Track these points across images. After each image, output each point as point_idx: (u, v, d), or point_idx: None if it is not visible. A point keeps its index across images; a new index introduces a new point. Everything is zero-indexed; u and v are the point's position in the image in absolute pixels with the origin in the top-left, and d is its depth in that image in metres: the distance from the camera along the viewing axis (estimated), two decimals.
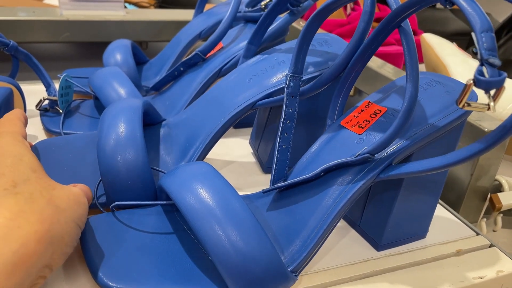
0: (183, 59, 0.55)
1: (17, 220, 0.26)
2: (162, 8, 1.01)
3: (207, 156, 0.44)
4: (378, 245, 0.39)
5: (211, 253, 0.30)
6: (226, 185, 0.33)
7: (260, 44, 0.49)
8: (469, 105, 0.27)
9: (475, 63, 0.68)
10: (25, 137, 0.34)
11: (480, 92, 0.28)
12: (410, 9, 0.32)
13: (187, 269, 0.32)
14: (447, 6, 0.28)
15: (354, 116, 0.38)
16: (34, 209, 0.27)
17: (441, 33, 0.78)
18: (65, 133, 0.48)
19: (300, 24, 0.81)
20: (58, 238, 0.27)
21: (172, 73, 0.55)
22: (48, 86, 0.53)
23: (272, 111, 0.47)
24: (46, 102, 0.52)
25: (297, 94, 0.39)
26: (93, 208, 0.37)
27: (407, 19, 0.33)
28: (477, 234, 0.43)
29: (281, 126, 0.38)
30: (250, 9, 0.57)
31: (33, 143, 0.42)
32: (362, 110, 0.38)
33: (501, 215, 0.54)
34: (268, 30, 0.52)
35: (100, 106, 0.53)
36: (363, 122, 0.37)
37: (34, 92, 0.56)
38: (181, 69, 0.55)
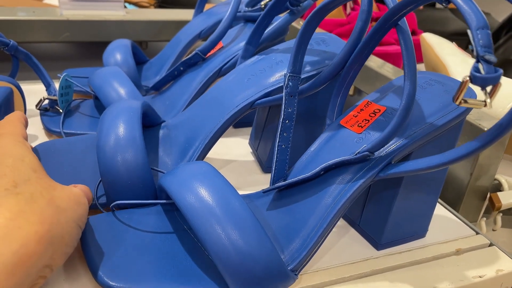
0: (183, 59, 0.55)
1: (17, 220, 0.26)
2: (162, 8, 1.01)
3: (207, 156, 0.44)
4: (378, 244, 0.39)
5: (211, 252, 0.30)
6: (226, 184, 0.33)
7: (258, 45, 0.49)
8: (466, 101, 0.27)
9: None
10: (26, 138, 0.34)
11: (478, 90, 0.28)
12: (407, 7, 0.32)
13: (187, 268, 0.32)
14: (443, 4, 0.28)
15: (353, 116, 0.38)
16: (35, 209, 0.27)
17: (440, 33, 0.78)
18: (65, 133, 0.49)
19: (299, 24, 0.81)
20: (59, 238, 0.27)
21: (172, 73, 0.55)
22: (48, 86, 0.53)
23: (271, 111, 0.47)
24: (46, 101, 0.52)
25: (296, 93, 0.39)
26: (93, 208, 0.37)
27: (405, 17, 0.33)
28: (477, 233, 0.43)
29: (280, 125, 0.38)
30: (250, 8, 0.57)
31: (34, 144, 0.42)
32: (362, 110, 0.38)
33: (501, 214, 0.54)
34: (268, 29, 0.52)
35: (100, 105, 0.53)
36: (363, 121, 0.37)
37: (34, 91, 0.56)
38: (181, 68, 0.55)
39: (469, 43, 0.26)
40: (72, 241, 0.29)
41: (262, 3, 0.55)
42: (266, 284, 0.31)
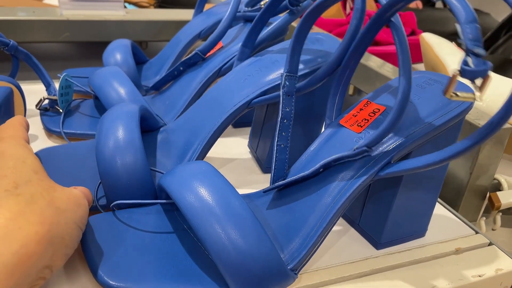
0: (183, 59, 0.55)
1: (17, 221, 0.26)
2: (161, 8, 1.01)
3: (207, 156, 0.44)
4: (378, 244, 0.39)
5: (211, 251, 0.30)
6: (225, 184, 0.33)
7: (253, 47, 0.49)
8: (456, 95, 0.27)
9: None
10: (27, 141, 0.34)
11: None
12: (399, 3, 0.32)
13: (187, 268, 0.32)
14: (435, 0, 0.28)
15: (353, 115, 0.38)
16: (35, 210, 0.27)
17: (440, 32, 0.78)
18: (65, 133, 0.49)
19: None
20: (59, 239, 0.27)
21: (172, 73, 0.55)
22: (48, 86, 0.53)
23: (269, 109, 0.47)
24: (46, 101, 0.52)
25: (293, 93, 0.39)
26: (93, 210, 0.37)
27: (398, 13, 0.33)
28: (476, 232, 0.43)
29: (279, 125, 0.38)
30: (249, 8, 0.57)
31: (33, 143, 0.42)
32: (361, 109, 0.38)
33: (500, 214, 0.54)
34: (268, 29, 0.52)
35: (100, 105, 0.53)
36: (362, 120, 0.37)
37: (34, 91, 0.56)
38: (181, 68, 0.55)
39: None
40: (72, 242, 0.29)
41: (262, 3, 0.56)
42: (266, 283, 0.31)
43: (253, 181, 0.47)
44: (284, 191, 0.37)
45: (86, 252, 0.32)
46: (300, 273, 0.34)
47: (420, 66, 0.91)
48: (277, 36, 0.53)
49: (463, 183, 0.51)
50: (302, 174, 0.36)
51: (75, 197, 0.31)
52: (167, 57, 0.62)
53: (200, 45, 0.54)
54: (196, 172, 0.34)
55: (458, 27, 0.26)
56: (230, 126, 0.58)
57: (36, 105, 0.52)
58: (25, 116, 0.51)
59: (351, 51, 0.37)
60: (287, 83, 0.39)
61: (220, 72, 0.53)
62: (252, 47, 0.49)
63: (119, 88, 0.50)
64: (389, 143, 0.35)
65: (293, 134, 0.40)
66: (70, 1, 0.77)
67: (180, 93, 0.53)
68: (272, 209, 0.36)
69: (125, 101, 0.49)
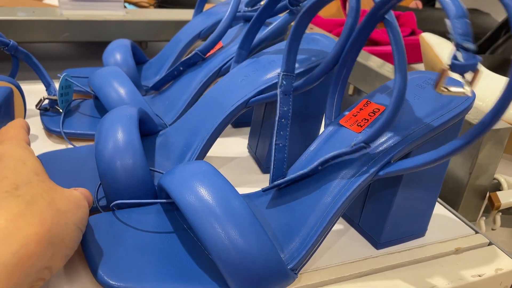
0: (183, 59, 0.55)
1: (17, 221, 0.26)
2: (161, 8, 1.01)
3: (207, 155, 0.44)
4: (377, 244, 0.39)
5: (211, 251, 0.30)
6: (225, 183, 0.33)
7: (250, 49, 0.49)
8: (447, 90, 0.28)
9: None
10: (28, 144, 0.35)
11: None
12: (392, 0, 0.32)
13: (187, 267, 0.32)
14: None
15: (352, 115, 0.38)
16: (35, 211, 0.27)
17: (440, 32, 0.78)
18: (65, 133, 0.49)
19: None
20: (58, 240, 0.27)
21: (171, 73, 0.55)
22: (48, 86, 0.53)
23: (268, 108, 0.47)
24: (46, 101, 0.52)
25: (291, 92, 0.40)
26: (94, 211, 0.37)
27: (391, 11, 0.33)
28: (476, 232, 0.43)
29: (276, 124, 0.38)
30: (249, 8, 0.57)
31: (34, 143, 0.42)
32: (361, 109, 0.38)
33: (500, 213, 0.54)
34: (268, 29, 0.52)
35: (100, 105, 0.53)
36: (362, 120, 0.37)
37: (34, 91, 0.56)
38: (181, 68, 0.55)
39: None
40: (72, 243, 0.29)
41: (262, 3, 0.55)
42: (266, 283, 0.31)
43: (253, 181, 0.47)
44: (283, 190, 0.37)
45: (86, 252, 0.32)
46: (300, 273, 0.34)
47: (420, 66, 0.91)
48: (277, 36, 0.53)
49: (463, 183, 0.52)
50: (300, 172, 0.36)
51: (75, 199, 0.31)
52: (167, 57, 0.62)
53: (200, 45, 0.54)
54: (196, 171, 0.34)
55: (448, 22, 0.26)
56: (229, 126, 0.58)
57: (36, 105, 0.52)
58: (25, 116, 0.51)
59: (347, 49, 0.37)
60: (284, 82, 0.39)
61: (220, 72, 0.53)
62: (249, 49, 0.49)
63: (119, 88, 0.50)
64: (389, 143, 0.35)
65: (291, 134, 0.40)
66: (70, 1, 0.77)
67: (180, 93, 0.53)
68: (272, 209, 0.36)
69: (125, 101, 0.49)
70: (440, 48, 0.70)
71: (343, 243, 0.39)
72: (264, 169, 0.49)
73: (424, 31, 0.79)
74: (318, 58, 0.44)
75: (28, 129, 0.37)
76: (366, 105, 0.38)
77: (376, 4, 0.33)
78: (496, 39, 0.83)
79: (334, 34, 0.85)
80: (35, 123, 0.52)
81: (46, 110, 0.52)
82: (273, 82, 0.44)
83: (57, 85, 0.52)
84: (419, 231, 0.41)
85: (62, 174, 0.41)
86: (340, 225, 0.42)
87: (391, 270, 0.37)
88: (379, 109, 0.37)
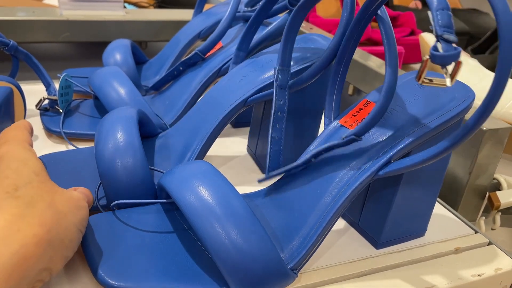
0: (183, 59, 0.55)
1: (17, 223, 0.26)
2: (161, 8, 1.01)
3: (206, 155, 0.44)
4: (377, 243, 0.39)
5: (211, 250, 0.30)
6: (225, 183, 0.33)
7: (249, 50, 0.49)
8: (430, 81, 0.28)
9: (473, 62, 0.68)
10: (31, 145, 0.35)
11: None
12: None
13: (187, 267, 0.33)
14: None
15: (352, 115, 0.38)
16: (34, 212, 0.27)
17: None
18: (65, 133, 0.49)
19: None
20: (58, 241, 0.27)
21: (171, 73, 0.55)
22: (48, 86, 0.53)
23: (267, 107, 0.47)
24: (46, 101, 0.52)
25: (286, 86, 0.40)
26: (94, 210, 0.37)
27: (384, 6, 0.34)
28: (476, 232, 0.43)
29: (272, 117, 0.39)
30: (249, 9, 0.57)
31: (34, 143, 0.42)
32: (360, 109, 0.38)
33: (500, 213, 0.54)
34: (268, 29, 0.52)
35: (99, 105, 0.53)
36: (362, 121, 0.37)
37: (34, 91, 0.57)
38: (181, 68, 0.55)
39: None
40: (72, 245, 0.29)
41: (261, 3, 0.55)
42: (266, 282, 0.31)
43: (253, 181, 0.47)
44: (283, 190, 0.37)
45: (86, 251, 0.32)
46: (300, 272, 0.34)
47: (419, 66, 0.91)
48: (277, 36, 0.53)
49: (462, 183, 0.52)
50: (295, 163, 0.36)
51: (76, 200, 0.31)
52: (167, 57, 0.62)
53: (200, 45, 0.54)
54: (196, 171, 0.34)
55: (429, 14, 0.27)
56: (229, 126, 0.58)
57: (36, 105, 0.52)
58: (25, 116, 0.51)
59: (343, 45, 0.37)
60: (280, 76, 0.40)
61: (220, 72, 0.53)
62: (247, 50, 0.49)
63: (119, 88, 0.50)
64: (388, 143, 0.35)
65: (290, 131, 0.40)
66: (70, 1, 0.77)
67: (180, 93, 0.54)
68: (272, 209, 0.36)
69: (125, 101, 0.49)
70: None
71: (343, 242, 0.39)
72: (264, 169, 0.49)
73: (424, 31, 0.79)
74: (314, 57, 0.44)
75: (31, 131, 0.37)
76: (365, 105, 0.38)
77: (368, 0, 0.33)
78: (495, 39, 0.83)
79: (334, 34, 0.85)
80: (35, 123, 0.52)
81: (46, 110, 0.52)
82: (271, 81, 0.44)
83: (57, 85, 0.52)
84: (419, 231, 0.41)
85: (63, 175, 0.41)
86: (340, 225, 0.42)
87: (391, 270, 0.38)
88: None
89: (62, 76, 0.51)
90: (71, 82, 0.52)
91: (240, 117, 0.50)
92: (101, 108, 0.51)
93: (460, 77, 0.63)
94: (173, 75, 0.55)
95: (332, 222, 0.34)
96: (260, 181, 0.38)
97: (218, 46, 0.55)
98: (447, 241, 0.41)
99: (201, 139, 0.43)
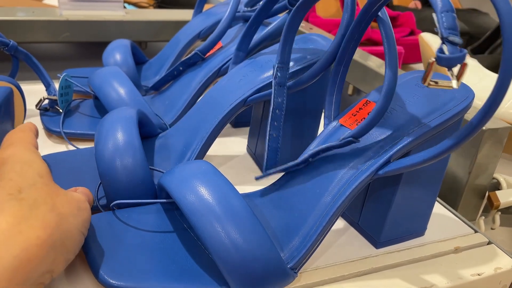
0: (183, 59, 0.55)
1: (19, 225, 0.26)
2: (161, 8, 1.01)
3: (206, 155, 0.44)
4: (377, 243, 0.39)
5: (211, 250, 0.30)
6: (225, 182, 0.33)
7: (248, 50, 0.49)
8: (436, 83, 0.28)
9: (473, 62, 0.68)
10: (36, 147, 0.35)
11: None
12: None
13: (187, 267, 0.33)
14: None
15: (352, 115, 0.38)
16: (37, 215, 0.27)
17: None
18: (65, 133, 0.49)
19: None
20: (60, 244, 0.28)
21: (171, 73, 0.55)
22: (48, 86, 0.53)
23: (266, 107, 0.48)
24: (46, 101, 0.52)
25: (285, 84, 0.40)
26: (94, 210, 0.37)
27: (384, 7, 0.34)
28: (475, 231, 0.43)
29: (271, 115, 0.39)
30: (249, 9, 0.57)
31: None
32: (360, 109, 0.38)
33: (499, 213, 0.54)
34: (267, 29, 0.52)
35: (99, 105, 0.53)
36: (361, 120, 0.37)
37: (34, 91, 0.57)
38: (181, 68, 0.55)
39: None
40: (73, 247, 0.29)
41: (261, 3, 0.56)
42: (266, 282, 0.31)
43: (253, 181, 0.47)
44: (283, 190, 0.37)
45: (87, 251, 0.32)
46: (299, 272, 0.34)
47: (419, 66, 0.91)
48: (277, 36, 0.53)
49: (462, 182, 0.52)
50: (293, 162, 0.36)
51: (78, 202, 0.31)
52: (167, 57, 0.62)
53: (200, 45, 0.54)
54: (196, 171, 0.34)
55: (434, 16, 0.27)
56: (229, 126, 0.58)
57: (36, 105, 0.52)
58: (25, 116, 0.51)
59: (343, 46, 0.37)
60: (279, 74, 0.40)
61: (220, 72, 0.53)
62: (246, 50, 0.49)
63: (119, 88, 0.50)
64: (388, 142, 0.35)
65: (289, 131, 0.40)
66: (69, 1, 0.77)
67: (180, 93, 0.54)
68: (271, 208, 0.37)
69: (125, 101, 0.49)
70: None
71: (343, 242, 0.39)
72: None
73: (423, 31, 0.79)
74: (314, 57, 0.45)
75: (36, 133, 0.37)
76: (365, 105, 0.38)
77: (369, 1, 0.33)
78: (495, 39, 0.83)
79: (334, 34, 0.85)
80: (35, 123, 0.51)
81: (46, 110, 0.52)
82: (271, 80, 0.44)
83: (57, 85, 0.52)
84: (419, 230, 0.41)
85: (63, 175, 0.41)
86: (339, 225, 0.42)
87: (391, 269, 0.38)
88: None
89: (62, 76, 0.51)
90: (71, 82, 0.52)
91: (240, 117, 0.50)
92: (101, 108, 0.52)
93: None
94: (173, 75, 0.55)
95: (332, 221, 0.34)
96: (257, 178, 0.38)
97: (217, 46, 0.55)
98: (447, 240, 0.41)
99: (201, 139, 0.43)
